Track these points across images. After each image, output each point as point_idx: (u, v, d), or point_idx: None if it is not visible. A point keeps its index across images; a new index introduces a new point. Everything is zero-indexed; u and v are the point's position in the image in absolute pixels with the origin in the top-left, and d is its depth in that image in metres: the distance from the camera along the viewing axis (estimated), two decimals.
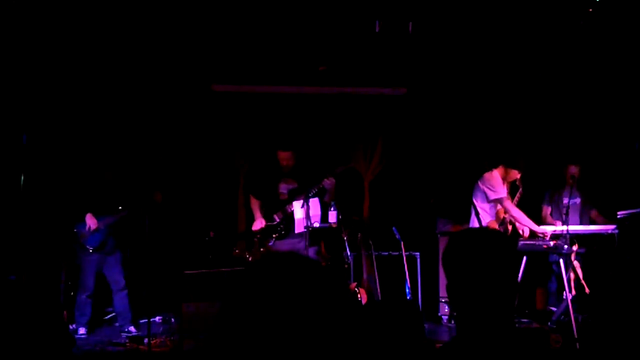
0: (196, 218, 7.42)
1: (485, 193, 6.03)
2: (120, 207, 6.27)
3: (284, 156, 6.29)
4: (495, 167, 6.14)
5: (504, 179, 6.07)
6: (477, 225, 6.05)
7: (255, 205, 6.42)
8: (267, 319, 1.15)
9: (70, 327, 6.51)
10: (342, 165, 6.36)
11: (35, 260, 6.54)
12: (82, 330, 6.24)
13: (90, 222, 6.16)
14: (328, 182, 6.11)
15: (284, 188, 6.35)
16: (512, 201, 6.12)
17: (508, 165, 6.06)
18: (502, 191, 5.99)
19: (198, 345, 5.40)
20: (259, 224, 6.30)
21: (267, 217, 6.36)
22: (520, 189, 6.31)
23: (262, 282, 1.20)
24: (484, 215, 6.04)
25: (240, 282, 1.22)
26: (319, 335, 1.16)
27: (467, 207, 6.22)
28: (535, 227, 5.99)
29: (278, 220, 6.29)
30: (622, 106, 7.08)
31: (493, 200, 6.02)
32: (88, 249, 6.19)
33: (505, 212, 6.06)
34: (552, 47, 6.67)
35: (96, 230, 6.18)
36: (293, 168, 6.33)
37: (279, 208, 6.31)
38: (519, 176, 6.08)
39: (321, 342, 1.16)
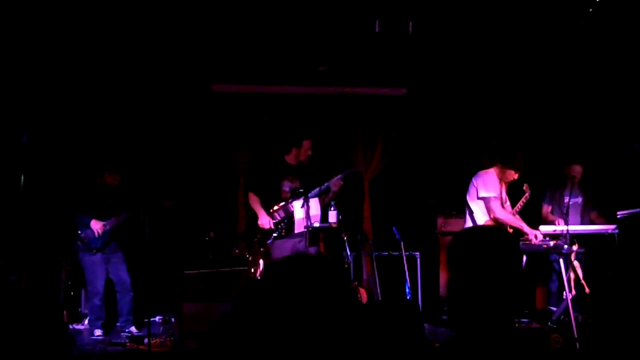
0: (196, 218, 7.41)
1: (476, 189, 5.93)
2: (123, 209, 6.29)
3: (309, 145, 6.23)
4: (492, 165, 6.11)
5: (500, 179, 5.94)
6: (470, 225, 5.96)
7: (256, 202, 6.27)
8: (276, 320, 1.15)
9: (82, 327, 6.54)
10: (349, 168, 6.35)
11: (35, 260, 6.54)
12: (98, 332, 6.26)
13: (96, 226, 6.19)
14: (336, 183, 6.06)
15: (286, 186, 6.29)
16: (503, 204, 5.94)
17: (505, 164, 5.89)
18: (492, 190, 5.84)
19: (199, 346, 5.40)
20: (265, 219, 6.12)
21: (268, 215, 6.31)
22: (527, 195, 6.24)
23: (273, 286, 1.20)
24: (478, 214, 5.93)
25: (250, 287, 1.23)
26: (324, 335, 1.16)
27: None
28: (526, 229, 5.85)
29: (279, 218, 6.22)
30: (622, 106, 7.07)
31: (481, 198, 5.87)
32: (92, 250, 6.22)
33: (490, 212, 5.86)
34: (553, 47, 6.67)
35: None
36: (300, 165, 6.27)
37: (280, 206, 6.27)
38: (516, 176, 5.91)
39: (326, 341, 1.16)
